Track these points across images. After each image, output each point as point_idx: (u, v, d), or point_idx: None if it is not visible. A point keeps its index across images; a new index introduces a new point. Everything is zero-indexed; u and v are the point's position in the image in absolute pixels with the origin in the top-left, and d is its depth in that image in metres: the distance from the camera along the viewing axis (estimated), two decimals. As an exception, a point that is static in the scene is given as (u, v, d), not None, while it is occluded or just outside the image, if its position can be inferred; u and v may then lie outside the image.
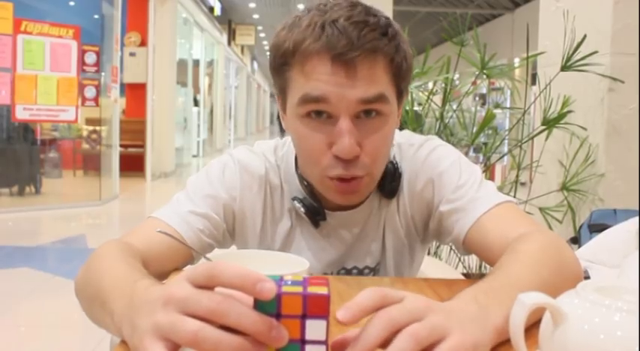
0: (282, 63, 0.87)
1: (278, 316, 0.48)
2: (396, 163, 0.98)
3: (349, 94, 0.83)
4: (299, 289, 0.48)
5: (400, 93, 0.91)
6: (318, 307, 0.48)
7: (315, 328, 0.48)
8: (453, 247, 2.46)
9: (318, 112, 0.85)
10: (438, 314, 0.53)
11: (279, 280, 0.49)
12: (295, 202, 0.97)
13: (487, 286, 0.65)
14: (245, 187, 0.99)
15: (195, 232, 0.93)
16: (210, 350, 0.48)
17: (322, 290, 0.49)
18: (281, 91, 0.91)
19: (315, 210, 0.96)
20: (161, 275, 0.87)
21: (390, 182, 0.98)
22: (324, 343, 0.49)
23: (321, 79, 0.83)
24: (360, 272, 1.02)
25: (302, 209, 0.96)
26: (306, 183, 0.96)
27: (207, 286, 0.50)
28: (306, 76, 0.84)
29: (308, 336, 0.48)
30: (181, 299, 0.50)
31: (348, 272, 1.02)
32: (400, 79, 0.89)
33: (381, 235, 1.02)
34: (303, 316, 0.48)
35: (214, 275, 0.50)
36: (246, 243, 1.02)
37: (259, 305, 0.48)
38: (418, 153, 1.00)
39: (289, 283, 0.50)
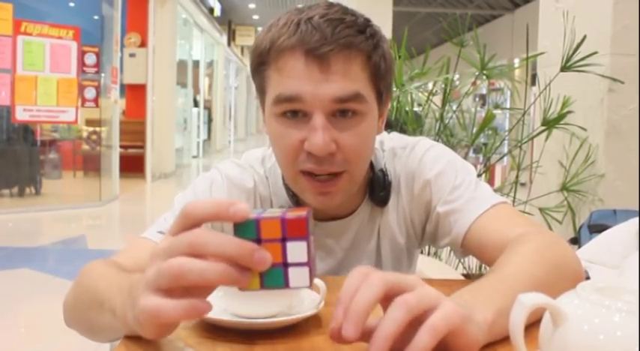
0: (259, 63, 0.87)
1: (258, 241, 0.49)
2: (386, 170, 0.97)
3: (323, 91, 0.81)
4: (277, 213, 0.50)
5: (380, 94, 0.88)
6: (297, 230, 0.49)
7: (296, 251, 0.49)
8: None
9: (293, 112, 0.84)
10: (428, 288, 0.54)
11: (260, 212, 0.51)
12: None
13: (476, 286, 0.66)
14: (236, 194, 0.98)
15: None
16: (197, 280, 0.48)
17: (300, 213, 0.50)
18: (260, 91, 0.90)
19: None
20: None
21: (380, 190, 0.96)
22: (307, 264, 0.49)
23: (295, 75, 0.82)
24: None
25: None
26: (292, 193, 0.95)
27: (185, 228, 0.51)
28: (281, 73, 0.83)
29: (290, 259, 0.49)
30: (163, 248, 0.51)
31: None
32: (379, 78, 0.86)
33: (374, 246, 1.00)
34: (283, 240, 0.49)
35: (187, 215, 0.51)
36: None
37: (239, 232, 0.49)
38: (412, 155, 0.99)
39: (268, 211, 0.51)
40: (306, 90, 0.81)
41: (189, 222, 0.51)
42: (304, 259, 0.49)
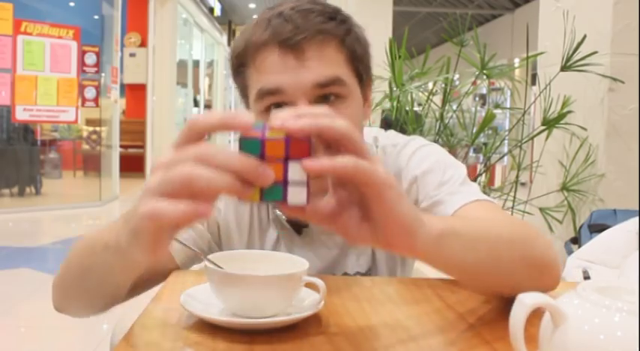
0: (238, 65, 0.88)
1: (262, 158, 0.51)
2: None
3: (302, 79, 0.82)
4: (281, 134, 0.51)
5: (360, 76, 0.89)
6: (299, 151, 0.51)
7: (296, 170, 0.51)
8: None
9: (277, 105, 0.84)
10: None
11: (263, 127, 0.52)
12: (277, 210, 0.97)
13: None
14: (229, 201, 0.98)
15: (180, 240, 0.91)
16: (204, 188, 0.49)
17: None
18: (243, 93, 0.92)
19: (295, 220, 0.95)
20: (147, 282, 0.86)
21: None
22: (306, 183, 0.51)
23: (273, 69, 0.83)
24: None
25: (283, 217, 0.96)
26: None
27: (189, 141, 0.52)
28: (259, 70, 0.85)
29: (290, 177, 0.51)
30: (167, 160, 0.51)
31: None
32: (356, 61, 0.88)
33: None
34: (286, 159, 0.51)
35: (192, 127, 0.52)
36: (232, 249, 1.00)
37: (244, 148, 0.51)
38: (402, 152, 0.99)
39: (268, 128, 0.52)
40: (286, 80, 0.82)
41: (194, 135, 0.52)
42: (304, 178, 0.51)
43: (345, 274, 0.99)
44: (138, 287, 0.83)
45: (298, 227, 0.97)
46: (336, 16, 0.86)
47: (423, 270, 1.20)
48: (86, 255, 0.73)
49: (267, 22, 0.84)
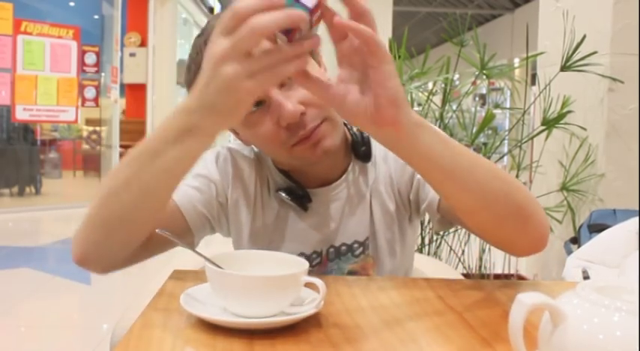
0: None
1: None
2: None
3: None
4: None
5: None
6: None
7: None
8: (452, 247, 2.44)
9: (256, 105, 0.85)
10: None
11: None
12: (280, 193, 0.99)
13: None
14: (237, 173, 1.02)
15: (190, 200, 0.96)
16: (270, 25, 0.58)
17: None
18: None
19: (300, 195, 0.98)
20: (154, 244, 0.87)
21: (360, 146, 1.00)
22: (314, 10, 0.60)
23: None
24: (350, 248, 1.01)
25: (288, 198, 0.98)
26: (280, 169, 1.00)
27: (235, 27, 0.59)
28: None
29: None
30: (223, 29, 0.61)
31: (337, 250, 1.01)
32: None
33: (368, 207, 1.01)
34: None
35: (235, 14, 0.59)
36: (240, 226, 1.02)
37: None
38: None
39: None
40: None
41: (237, 21, 0.59)
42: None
43: (343, 244, 1.00)
44: (146, 250, 0.86)
45: (302, 203, 0.99)
46: None
47: (424, 270, 1.21)
48: (128, 166, 0.73)
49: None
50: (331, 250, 1.01)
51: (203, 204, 0.97)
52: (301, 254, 0.99)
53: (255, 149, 1.05)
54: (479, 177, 0.73)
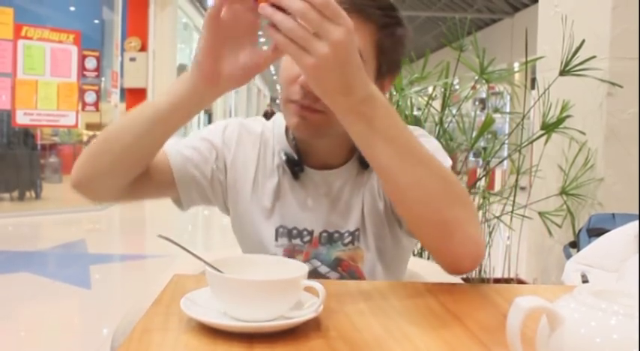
0: None
1: None
2: None
3: None
4: None
5: (379, 66, 0.97)
6: None
7: None
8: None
9: None
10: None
11: None
12: (281, 153, 1.06)
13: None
14: (241, 142, 1.09)
15: (182, 157, 1.03)
16: None
17: None
18: None
19: (295, 161, 1.05)
20: (143, 185, 0.99)
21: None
22: None
23: None
24: (341, 236, 1.05)
25: (284, 157, 1.05)
26: (292, 138, 1.06)
27: None
28: None
29: None
30: None
31: (330, 236, 1.05)
32: (381, 51, 0.96)
33: (359, 206, 1.05)
34: None
35: None
36: (237, 194, 1.08)
37: None
38: None
39: None
40: None
41: None
42: None
43: (336, 231, 1.05)
44: (134, 190, 0.98)
45: (294, 171, 1.05)
46: (386, 7, 0.95)
47: (423, 274, 1.21)
48: (132, 115, 0.87)
49: None
50: (324, 234, 1.06)
51: (195, 164, 1.04)
52: (294, 228, 1.05)
53: (267, 123, 1.12)
54: (417, 170, 0.79)
